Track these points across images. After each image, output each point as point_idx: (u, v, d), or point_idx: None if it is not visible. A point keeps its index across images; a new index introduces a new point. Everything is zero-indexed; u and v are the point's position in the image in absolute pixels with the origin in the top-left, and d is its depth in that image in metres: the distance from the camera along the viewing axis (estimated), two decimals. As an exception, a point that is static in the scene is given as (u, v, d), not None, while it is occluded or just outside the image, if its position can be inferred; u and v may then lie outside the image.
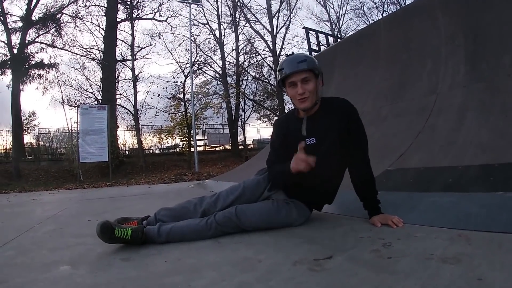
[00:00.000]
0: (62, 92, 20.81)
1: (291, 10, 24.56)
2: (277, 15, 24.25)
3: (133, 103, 20.28)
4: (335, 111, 2.32)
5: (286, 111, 23.02)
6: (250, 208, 2.27)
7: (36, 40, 20.43)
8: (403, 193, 2.75)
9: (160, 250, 1.96)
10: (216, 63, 23.39)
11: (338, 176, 2.46)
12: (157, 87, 20.72)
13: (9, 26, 19.17)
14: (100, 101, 18.93)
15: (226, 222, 2.19)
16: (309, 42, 10.79)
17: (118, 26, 20.72)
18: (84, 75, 20.69)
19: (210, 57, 22.95)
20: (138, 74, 20.77)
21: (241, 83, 24.16)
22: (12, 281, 1.58)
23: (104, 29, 20.21)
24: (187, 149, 19.32)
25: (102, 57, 20.02)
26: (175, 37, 25.18)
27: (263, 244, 1.97)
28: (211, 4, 23.76)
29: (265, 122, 27.10)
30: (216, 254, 1.84)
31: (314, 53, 9.86)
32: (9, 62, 19.29)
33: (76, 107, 15.93)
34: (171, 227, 2.14)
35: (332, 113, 2.32)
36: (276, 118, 24.39)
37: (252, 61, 24.57)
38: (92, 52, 20.56)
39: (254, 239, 2.10)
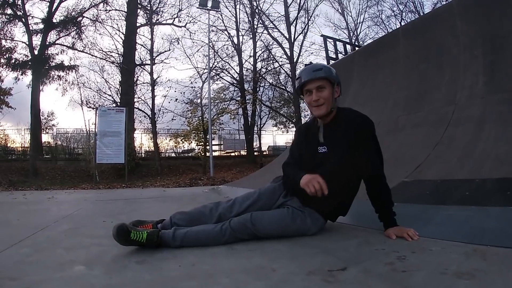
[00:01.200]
0: (81, 94, 21.13)
1: (309, 17, 24.53)
2: (295, 22, 24.28)
3: (150, 106, 20.52)
4: (350, 123, 2.32)
5: (303, 119, 23.12)
6: (265, 216, 2.27)
7: (56, 42, 20.88)
8: (419, 206, 2.71)
9: (175, 255, 1.97)
10: (234, 69, 23.53)
11: (352, 188, 2.43)
12: (175, 91, 21.01)
13: (31, 28, 19.57)
14: (119, 103, 19.15)
15: (240, 229, 2.20)
16: (326, 50, 10.76)
17: (138, 30, 21.02)
18: (103, 77, 21.00)
19: (227, 63, 23.10)
20: (156, 78, 21.00)
21: (258, 89, 24.25)
22: (27, 278, 1.60)
23: (124, 33, 20.48)
24: (203, 154, 19.41)
25: (121, 61, 20.27)
26: (193, 42, 25.32)
27: (277, 253, 1.96)
28: (229, 11, 23.99)
29: (281, 129, 27.12)
30: (230, 261, 1.84)
31: (332, 61, 9.83)
32: (29, 63, 19.69)
33: (94, 109, 16.13)
34: (186, 232, 2.15)
35: (347, 124, 2.32)
36: (293, 124, 24.52)
37: (269, 68, 24.67)
38: (111, 56, 20.88)
39: (268, 247, 2.09)
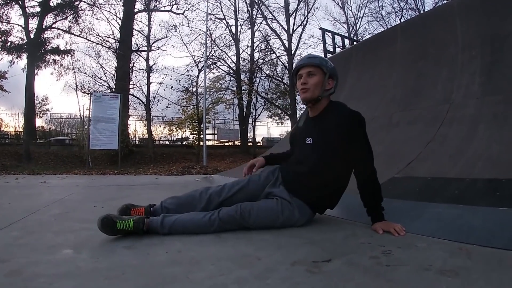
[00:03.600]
0: (76, 79, 21.02)
1: (309, 10, 24.41)
2: (294, 14, 24.20)
3: (145, 93, 20.47)
4: (338, 116, 2.34)
5: (298, 111, 23.15)
6: (254, 207, 2.28)
7: (53, 26, 20.73)
8: (408, 202, 2.74)
9: (162, 241, 1.98)
10: (231, 58, 23.48)
11: (339, 181, 2.44)
12: (171, 79, 20.99)
13: (27, 11, 19.40)
14: (113, 89, 19.08)
15: (229, 220, 2.21)
16: (324, 43, 10.72)
17: (135, 16, 20.90)
18: (99, 63, 20.97)
19: (225, 52, 23.06)
20: (152, 65, 20.94)
21: (254, 80, 24.20)
22: (15, 260, 1.61)
23: (121, 18, 20.37)
24: (196, 143, 19.38)
25: (117, 46, 20.16)
26: (191, 30, 25.36)
27: (263, 242, 1.98)
28: (228, 0, 23.81)
29: (276, 120, 27.16)
30: (216, 248, 1.86)
31: (330, 55, 9.81)
32: (25, 46, 19.52)
33: (89, 94, 16.04)
34: (175, 220, 2.16)
35: (335, 117, 2.34)
36: (288, 117, 24.53)
37: (266, 59, 24.61)
38: (108, 41, 20.79)
39: (255, 236, 2.11)
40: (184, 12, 21.69)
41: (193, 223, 2.19)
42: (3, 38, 19.60)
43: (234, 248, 1.87)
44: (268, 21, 24.08)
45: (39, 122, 23.74)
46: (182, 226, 2.16)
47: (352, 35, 24.31)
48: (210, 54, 21.20)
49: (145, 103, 20.40)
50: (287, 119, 25.79)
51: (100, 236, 2.06)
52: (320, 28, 11.78)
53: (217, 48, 22.53)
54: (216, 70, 23.29)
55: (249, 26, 24.19)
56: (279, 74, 25.09)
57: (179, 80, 20.72)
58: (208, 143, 20.07)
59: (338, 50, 10.28)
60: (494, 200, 2.35)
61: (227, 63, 23.28)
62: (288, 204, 2.33)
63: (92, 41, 20.73)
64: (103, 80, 20.74)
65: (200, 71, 19.95)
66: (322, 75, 2.39)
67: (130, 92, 20.06)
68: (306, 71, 2.39)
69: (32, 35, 19.49)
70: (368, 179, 2.31)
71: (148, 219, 2.14)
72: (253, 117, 25.33)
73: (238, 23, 23.94)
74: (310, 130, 2.45)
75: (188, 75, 20.90)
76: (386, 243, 1.90)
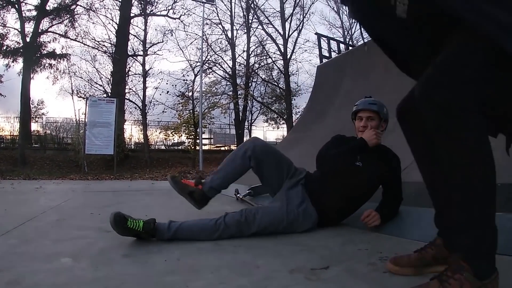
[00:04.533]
0: (72, 83, 20.90)
1: (304, 14, 24.45)
2: (290, 19, 24.27)
3: (141, 98, 20.41)
4: (387, 156, 2.71)
5: (294, 115, 23.19)
6: (259, 211, 2.34)
7: (49, 29, 20.58)
8: (404, 207, 2.75)
9: (160, 248, 1.99)
10: (227, 63, 23.48)
11: (357, 203, 2.67)
12: (167, 83, 20.96)
13: (24, 15, 19.31)
14: (109, 94, 19.03)
15: (234, 223, 2.24)
16: (320, 48, 10.77)
17: (131, 21, 20.83)
18: (94, 67, 20.82)
19: (220, 57, 23.07)
20: (148, 70, 20.90)
21: (250, 84, 24.23)
22: (14, 270, 1.60)
23: (117, 23, 20.31)
24: (193, 147, 19.37)
25: (113, 51, 20.11)
26: (187, 35, 25.25)
27: (262, 249, 2.00)
28: (224, 5, 23.84)
29: (272, 125, 27.17)
30: (215, 256, 1.87)
31: (325, 60, 9.85)
32: (21, 50, 19.43)
33: (85, 99, 16.02)
34: (181, 224, 2.20)
35: (384, 156, 2.70)
36: (284, 121, 24.56)
37: (262, 64, 24.63)
38: (104, 45, 20.69)
39: (253, 243, 2.12)
40: (180, 16, 21.70)
41: (198, 227, 2.22)
42: (-1, 42, 19.54)
43: (233, 255, 1.88)
44: (264, 25, 24.18)
45: (34, 126, 23.63)
46: (187, 230, 2.19)
47: (347, 40, 24.39)
48: (206, 59, 21.25)
49: (141, 107, 20.38)
50: (283, 123, 25.82)
51: (98, 244, 2.07)
52: (316, 33, 11.84)
53: (213, 53, 22.58)
54: (212, 74, 23.34)
55: (245, 30, 24.25)
56: (275, 79, 25.13)
57: (175, 85, 20.76)
58: (204, 147, 20.11)
59: (333, 54, 10.32)
60: (500, 205, 2.36)
61: (223, 68, 23.33)
62: (293, 209, 2.41)
63: (88, 45, 20.68)
64: (99, 85, 20.68)
65: (196, 75, 19.98)
66: (379, 119, 2.69)
67: (126, 97, 20.03)
68: (366, 116, 2.68)
69: (28, 39, 19.38)
70: (395, 204, 2.57)
71: (157, 222, 2.16)
72: (249, 121, 25.39)
73: (234, 28, 24.00)
74: (360, 155, 2.63)
75: (184, 80, 20.94)
76: (384, 250, 1.92)
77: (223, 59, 23.28)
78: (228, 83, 23.56)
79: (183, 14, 21.85)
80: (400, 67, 1.57)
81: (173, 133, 22.29)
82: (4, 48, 19.56)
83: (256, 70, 24.30)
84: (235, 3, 24.08)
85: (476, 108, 1.12)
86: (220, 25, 23.52)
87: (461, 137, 1.12)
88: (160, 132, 23.65)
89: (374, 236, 2.33)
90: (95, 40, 20.68)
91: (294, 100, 25.18)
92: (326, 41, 11.20)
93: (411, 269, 1.51)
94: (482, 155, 1.15)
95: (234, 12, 24.15)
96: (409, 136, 1.52)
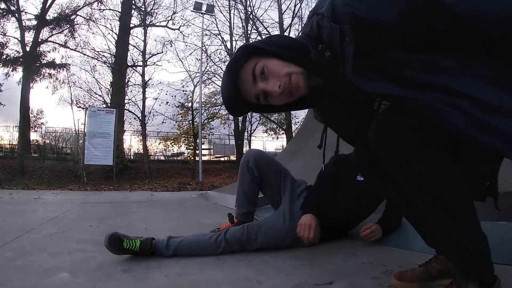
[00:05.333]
0: (71, 93, 20.93)
1: (303, 25, 24.59)
2: (288, 29, 24.37)
3: (141, 108, 20.41)
4: None
5: (293, 126, 23.19)
6: (262, 228, 2.27)
7: (49, 39, 20.72)
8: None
9: (160, 264, 1.95)
10: (226, 74, 23.46)
11: (361, 217, 2.59)
12: (166, 94, 20.86)
13: (24, 24, 19.43)
14: (109, 104, 19.05)
15: (235, 242, 2.20)
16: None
17: (131, 31, 20.97)
18: (94, 77, 20.89)
19: (220, 67, 23.07)
20: (148, 80, 20.93)
21: (249, 95, 24.20)
22: (11, 284, 1.58)
23: (117, 33, 20.43)
24: (192, 158, 19.34)
25: (113, 61, 20.19)
26: (186, 46, 25.47)
27: (264, 264, 1.96)
28: (224, 16, 24.08)
29: (271, 135, 27.16)
30: (216, 271, 1.83)
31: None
32: (21, 59, 19.51)
33: (84, 109, 16.03)
34: (180, 241, 2.14)
35: None
36: (284, 131, 24.56)
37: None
38: (103, 56, 20.78)
39: (255, 258, 2.08)
40: (179, 27, 21.85)
41: (198, 244, 2.17)
42: (-1, 51, 19.61)
43: (234, 271, 1.84)
44: (262, 36, 24.24)
45: (33, 136, 23.65)
46: (187, 247, 2.14)
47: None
48: (206, 70, 21.31)
49: (140, 118, 20.38)
50: (282, 133, 25.81)
51: (97, 258, 2.03)
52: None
53: (213, 64, 22.65)
54: (212, 85, 23.36)
55: (244, 41, 24.31)
56: (274, 89, 25.14)
57: (175, 95, 20.78)
58: (204, 158, 20.06)
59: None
60: (493, 214, 2.33)
61: (222, 79, 23.34)
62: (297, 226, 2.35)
63: (87, 56, 20.78)
64: (98, 95, 20.72)
65: (195, 86, 20.05)
66: None
67: (125, 107, 20.06)
68: None
69: (28, 48, 19.50)
70: (398, 216, 2.43)
71: (155, 240, 2.12)
72: (249, 132, 25.35)
73: (233, 39, 24.10)
74: None
75: (183, 90, 20.97)
76: (387, 263, 1.89)
77: (222, 69, 23.29)
78: (227, 93, 23.56)
79: (182, 25, 22.03)
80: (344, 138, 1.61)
81: (172, 143, 22.28)
82: (4, 57, 19.66)
83: (256, 81, 24.31)
84: (234, 14, 24.26)
85: (433, 139, 1.14)
86: (219, 36, 23.69)
87: (421, 170, 1.14)
88: (160, 142, 23.67)
89: (377, 249, 2.28)
90: (94, 50, 20.82)
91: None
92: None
93: (416, 283, 1.48)
94: (448, 181, 1.16)
95: (233, 23, 24.29)
96: (375, 183, 1.53)
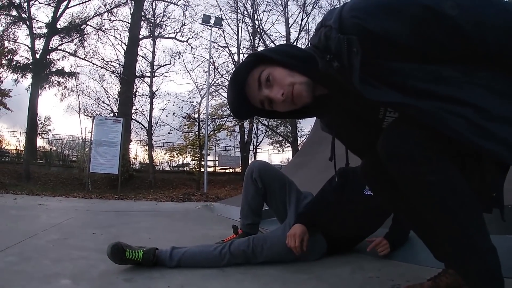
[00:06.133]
0: (79, 101, 21.09)
1: (309, 38, 24.71)
2: (295, 43, 24.46)
3: (148, 119, 20.56)
4: None
5: (299, 139, 23.17)
6: (268, 242, 2.23)
7: (59, 47, 21.10)
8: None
9: (163, 274, 1.91)
10: (233, 86, 23.54)
11: (369, 231, 2.53)
12: (173, 105, 21.01)
13: (34, 32, 19.77)
14: (116, 113, 19.18)
15: (240, 255, 2.15)
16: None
17: (140, 42, 21.29)
18: (102, 86, 21.14)
19: (227, 80, 23.16)
20: (155, 91, 21.11)
21: (256, 107, 24.25)
22: (11, 289, 1.55)
23: (126, 44, 20.69)
24: (197, 169, 19.35)
25: (121, 71, 20.39)
26: (194, 57, 25.54)
27: (269, 277, 1.91)
28: (231, 29, 24.16)
29: (277, 147, 27.16)
30: (220, 284, 1.79)
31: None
32: (30, 66, 19.78)
33: (91, 117, 16.13)
34: (184, 252, 2.10)
35: None
36: (289, 144, 24.55)
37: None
38: (112, 65, 21.07)
39: (259, 271, 2.04)
40: (188, 39, 22.10)
41: (202, 256, 2.13)
42: (9, 57, 19.85)
43: (238, 283, 1.80)
44: (270, 49, 24.35)
45: (40, 142, 23.81)
46: (191, 259, 2.10)
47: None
48: (213, 82, 21.42)
49: (147, 128, 20.48)
50: (288, 146, 25.79)
51: (100, 266, 2.00)
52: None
53: (220, 76, 22.75)
54: (218, 97, 23.45)
55: (252, 54, 24.46)
56: (280, 102, 25.19)
57: (182, 106, 20.87)
58: (209, 169, 20.05)
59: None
60: (501, 227, 2.29)
61: (229, 91, 23.40)
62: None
63: (96, 65, 21.07)
64: (106, 104, 20.95)
65: (202, 98, 20.14)
66: None
67: (132, 117, 20.17)
68: None
69: (37, 56, 19.78)
70: (406, 230, 2.38)
71: (158, 250, 2.09)
72: (254, 144, 25.38)
73: (241, 51, 24.25)
74: None
75: (190, 102, 21.07)
76: (395, 277, 1.84)
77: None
78: (234, 105, 23.62)
79: (190, 37, 22.28)
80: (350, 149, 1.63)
81: (178, 154, 22.31)
82: (14, 63, 19.91)
83: (262, 93, 24.38)
84: (241, 27, 24.43)
85: (441, 150, 1.14)
86: (226, 49, 23.84)
87: (430, 180, 1.14)
88: (165, 153, 23.70)
89: (385, 263, 2.22)
90: (103, 60, 21.14)
91: (300, 123, 25.23)
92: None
93: None
94: (456, 192, 1.16)
95: (241, 36, 24.46)
96: (383, 195, 1.51)
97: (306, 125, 26.20)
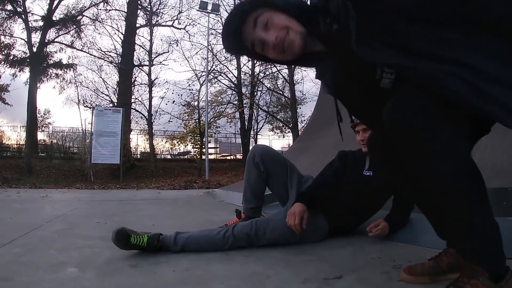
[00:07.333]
0: (78, 93, 21.01)
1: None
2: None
3: (147, 107, 20.49)
4: None
5: (299, 124, 23.15)
6: (270, 224, 2.25)
7: (55, 40, 20.87)
8: (416, 214, 2.70)
9: (169, 259, 1.94)
10: (232, 72, 23.46)
11: (370, 212, 2.56)
12: (172, 93, 20.91)
13: (30, 25, 19.58)
14: (116, 104, 19.12)
15: (243, 237, 2.18)
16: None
17: (137, 31, 21.04)
18: (101, 77, 21.01)
19: (226, 66, 23.03)
20: (154, 80, 21.00)
21: (255, 93, 24.21)
22: (18, 279, 1.58)
23: (123, 33, 20.51)
24: (198, 157, 19.37)
25: (119, 61, 20.27)
26: (192, 45, 25.50)
27: (272, 259, 1.94)
28: (230, 15, 23.90)
29: (277, 133, 27.12)
30: (224, 267, 1.82)
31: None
32: (27, 60, 19.64)
33: (91, 108, 16.11)
34: (188, 237, 2.13)
35: None
36: (290, 129, 24.54)
37: (267, 73, 24.61)
38: (110, 55, 20.89)
39: (263, 253, 2.07)
40: (185, 27, 21.86)
41: (206, 240, 2.16)
42: (6, 52, 19.74)
43: (242, 266, 1.83)
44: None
45: (41, 136, 23.77)
46: (195, 243, 2.13)
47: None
48: (211, 68, 21.30)
49: (147, 117, 20.45)
50: (289, 132, 25.76)
51: (105, 253, 2.03)
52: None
53: (218, 62, 22.60)
54: (218, 84, 23.35)
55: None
56: (280, 87, 25.11)
57: (181, 94, 20.80)
58: (210, 156, 20.08)
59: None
60: (501, 209, 2.31)
61: (228, 77, 23.30)
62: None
63: (94, 56, 20.88)
64: (105, 94, 20.85)
65: (201, 85, 20.06)
66: None
67: (132, 107, 20.13)
68: (361, 128, 2.53)
69: (34, 49, 19.63)
70: (406, 212, 2.43)
71: (162, 235, 2.11)
72: (255, 130, 25.33)
73: (239, 37, 24.02)
74: (371, 165, 2.55)
75: (189, 89, 21.00)
76: (396, 258, 1.87)
77: (228, 68, 23.27)
78: (233, 92, 23.57)
79: (188, 24, 22.04)
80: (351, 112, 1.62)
81: (179, 142, 22.30)
82: (11, 57, 19.80)
83: (261, 79, 24.30)
84: (240, 13, 24.15)
85: (448, 119, 1.14)
86: (225, 35, 23.60)
87: (433, 148, 1.14)
88: (166, 141, 23.70)
89: (386, 244, 2.26)
90: (101, 50, 20.94)
91: (300, 108, 25.19)
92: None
93: (426, 277, 1.47)
94: (459, 161, 1.16)
95: (239, 22, 24.22)
96: (387, 167, 1.50)
97: (307, 110, 26.16)
